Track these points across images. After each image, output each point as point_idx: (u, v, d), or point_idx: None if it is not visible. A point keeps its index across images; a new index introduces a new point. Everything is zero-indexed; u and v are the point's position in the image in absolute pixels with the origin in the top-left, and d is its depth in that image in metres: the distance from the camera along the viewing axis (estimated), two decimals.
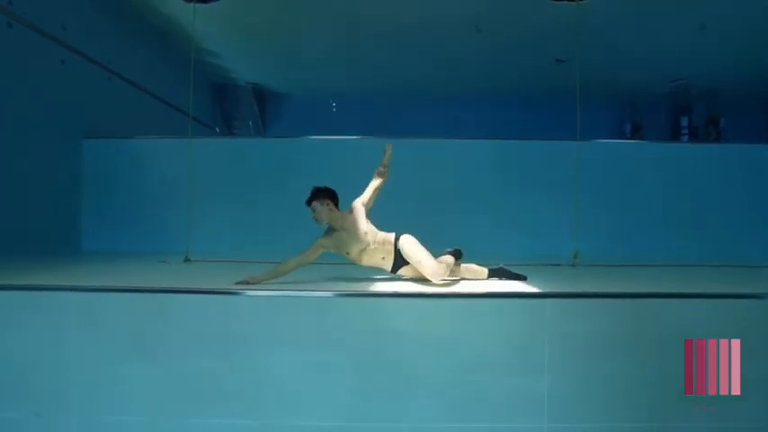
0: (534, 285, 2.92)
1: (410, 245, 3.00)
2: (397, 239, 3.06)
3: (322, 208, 3.00)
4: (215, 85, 9.11)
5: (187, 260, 4.29)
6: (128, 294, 2.45)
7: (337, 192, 3.12)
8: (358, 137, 5.83)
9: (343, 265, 3.27)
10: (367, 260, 3.07)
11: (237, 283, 2.62)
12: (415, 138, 5.68)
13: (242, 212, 5.70)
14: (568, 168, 5.22)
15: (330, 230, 3.06)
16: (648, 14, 6.29)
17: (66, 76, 5.20)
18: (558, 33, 6.59)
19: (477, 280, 3.17)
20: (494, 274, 3.19)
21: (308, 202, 3.03)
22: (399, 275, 3.13)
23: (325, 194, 3.03)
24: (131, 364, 2.42)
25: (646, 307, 2.44)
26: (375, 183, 3.13)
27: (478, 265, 3.25)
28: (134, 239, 5.47)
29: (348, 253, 3.05)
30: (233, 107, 9.27)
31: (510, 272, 3.18)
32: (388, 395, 2.40)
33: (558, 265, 4.24)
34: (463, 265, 3.19)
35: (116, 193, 5.66)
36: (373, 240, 3.02)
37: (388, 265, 3.07)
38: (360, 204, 3.08)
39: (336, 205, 3.07)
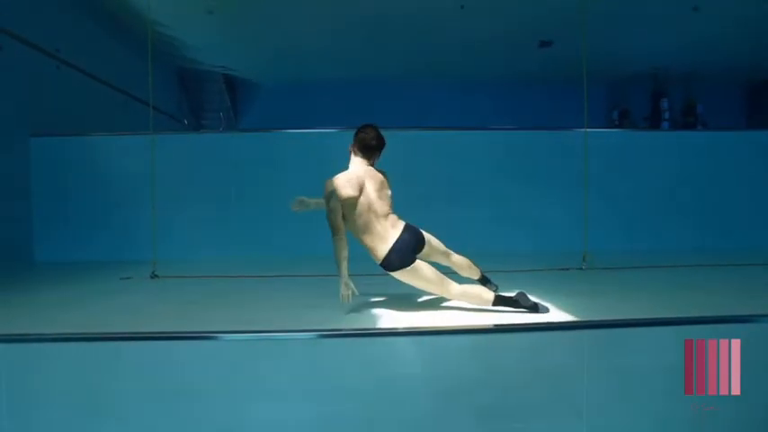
0: (551, 304, 2.56)
1: (413, 280, 2.49)
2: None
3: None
4: (181, 75, 8.43)
5: (154, 276, 3.78)
6: (73, 344, 1.97)
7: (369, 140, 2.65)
8: (337, 129, 5.36)
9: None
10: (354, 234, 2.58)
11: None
12: (403, 129, 5.24)
13: (214, 213, 5.21)
14: (570, 159, 4.89)
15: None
16: None
17: (7, 66, 4.55)
18: (545, 15, 6.26)
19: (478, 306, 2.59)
20: (502, 302, 2.48)
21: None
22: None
23: (355, 135, 2.70)
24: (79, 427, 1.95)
25: (697, 334, 2.09)
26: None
27: (485, 281, 2.83)
28: (92, 248, 4.92)
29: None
30: (202, 98, 8.59)
31: (527, 301, 2.45)
32: None
33: (567, 269, 3.91)
34: (462, 287, 2.55)
35: (70, 197, 5.06)
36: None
37: (374, 256, 2.52)
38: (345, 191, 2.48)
39: (359, 152, 2.65)
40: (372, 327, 2.27)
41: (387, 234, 2.50)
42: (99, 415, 1.95)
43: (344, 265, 2.51)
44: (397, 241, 2.48)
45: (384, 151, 2.75)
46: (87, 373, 1.96)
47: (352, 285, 2.52)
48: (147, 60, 4.17)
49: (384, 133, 2.75)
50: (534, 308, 2.43)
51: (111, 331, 2.06)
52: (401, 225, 2.56)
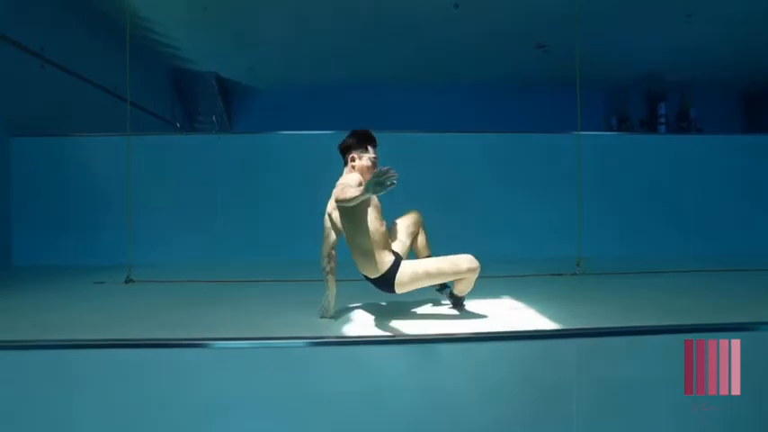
0: (540, 311, 2.43)
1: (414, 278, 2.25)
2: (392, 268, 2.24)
3: None
4: (175, 77, 8.32)
5: (129, 281, 3.64)
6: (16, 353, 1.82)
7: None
8: (332, 131, 5.23)
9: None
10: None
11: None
12: (395, 132, 5.11)
13: (199, 216, 5.07)
14: (564, 163, 4.76)
15: None
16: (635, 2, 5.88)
17: None
18: (541, 18, 6.16)
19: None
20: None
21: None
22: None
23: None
24: None
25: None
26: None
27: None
28: (72, 252, 4.78)
29: None
30: (195, 101, 8.49)
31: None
32: None
33: (561, 274, 3.76)
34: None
35: (50, 199, 4.93)
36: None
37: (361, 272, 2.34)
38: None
39: (356, 151, 2.46)
40: (357, 335, 2.12)
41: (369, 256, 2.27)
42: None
43: (327, 278, 2.37)
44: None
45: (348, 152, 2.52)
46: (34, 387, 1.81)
47: (332, 303, 2.37)
48: (139, 60, 4.05)
49: (377, 135, 2.61)
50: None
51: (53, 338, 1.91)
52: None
